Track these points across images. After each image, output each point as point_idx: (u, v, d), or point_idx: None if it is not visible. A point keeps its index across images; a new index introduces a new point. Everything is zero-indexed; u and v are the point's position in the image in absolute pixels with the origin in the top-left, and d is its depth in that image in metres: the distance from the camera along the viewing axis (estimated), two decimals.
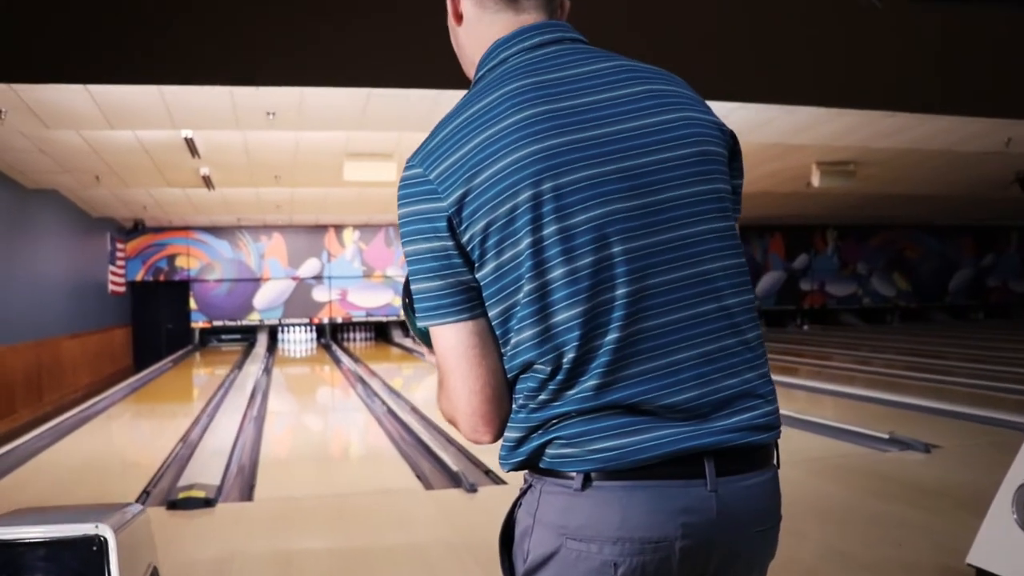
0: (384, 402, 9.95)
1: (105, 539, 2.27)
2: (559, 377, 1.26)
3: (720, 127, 1.39)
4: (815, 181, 13.12)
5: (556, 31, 1.39)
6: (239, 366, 15.21)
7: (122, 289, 19.29)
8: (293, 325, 21.17)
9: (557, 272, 1.24)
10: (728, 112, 9.11)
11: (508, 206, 1.24)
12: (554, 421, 1.27)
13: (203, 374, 14.71)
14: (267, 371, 14.34)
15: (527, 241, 1.24)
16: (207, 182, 12.50)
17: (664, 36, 6.67)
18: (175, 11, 6.02)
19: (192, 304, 20.70)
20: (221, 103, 8.20)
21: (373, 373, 13.39)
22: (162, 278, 20.53)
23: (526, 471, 1.35)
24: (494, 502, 3.74)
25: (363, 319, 21.57)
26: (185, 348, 19.85)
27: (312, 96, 8.08)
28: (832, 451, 6.84)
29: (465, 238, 1.27)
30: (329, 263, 21.31)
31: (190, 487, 5.64)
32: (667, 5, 6.83)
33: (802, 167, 13.06)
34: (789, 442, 5.84)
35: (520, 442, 1.31)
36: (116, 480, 6.27)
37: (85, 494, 5.78)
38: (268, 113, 8.56)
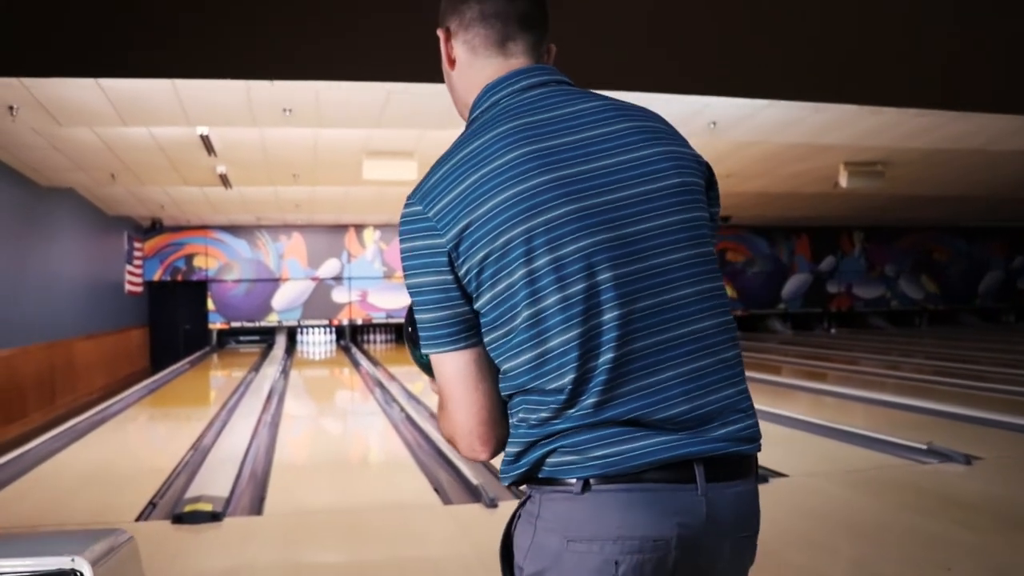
0: (403, 408, 9.72)
1: (81, 574, 2.04)
2: (560, 396, 1.33)
3: (697, 159, 1.52)
4: (843, 182, 12.82)
5: (543, 74, 1.49)
6: (256, 368, 15.02)
7: (139, 289, 19.15)
8: (312, 327, 20.98)
9: (551, 299, 1.33)
10: (755, 111, 8.85)
11: (502, 240, 1.33)
12: (555, 435, 1.34)
13: (220, 376, 14.51)
14: (284, 373, 14.15)
15: (521, 272, 1.32)
16: (224, 180, 12.31)
17: (691, 34, 6.39)
18: (187, 3, 5.82)
19: (210, 305, 20.54)
20: (236, 99, 8.00)
21: (392, 377, 13.18)
22: (180, 278, 20.38)
23: (525, 484, 1.42)
24: None
25: (383, 321, 21.34)
26: (203, 350, 19.68)
27: (329, 92, 7.87)
28: (865, 462, 6.50)
29: (463, 271, 1.36)
30: (349, 263, 21.10)
31: (197, 499, 5.42)
32: (692, 3, 6.57)
33: (829, 168, 12.75)
34: (819, 451, 5.57)
35: (520, 456, 1.39)
36: (122, 490, 6.04)
37: (85, 507, 5.57)
38: (285, 110, 8.36)
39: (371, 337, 21.49)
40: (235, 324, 20.65)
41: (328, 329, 21.07)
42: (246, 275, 20.67)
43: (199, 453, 7.27)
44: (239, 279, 20.64)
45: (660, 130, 1.48)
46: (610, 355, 1.32)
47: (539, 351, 1.33)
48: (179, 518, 5.07)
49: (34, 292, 12.05)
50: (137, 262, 19.11)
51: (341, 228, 20.90)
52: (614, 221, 1.35)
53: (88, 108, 8.06)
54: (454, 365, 1.40)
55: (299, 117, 8.62)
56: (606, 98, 1.47)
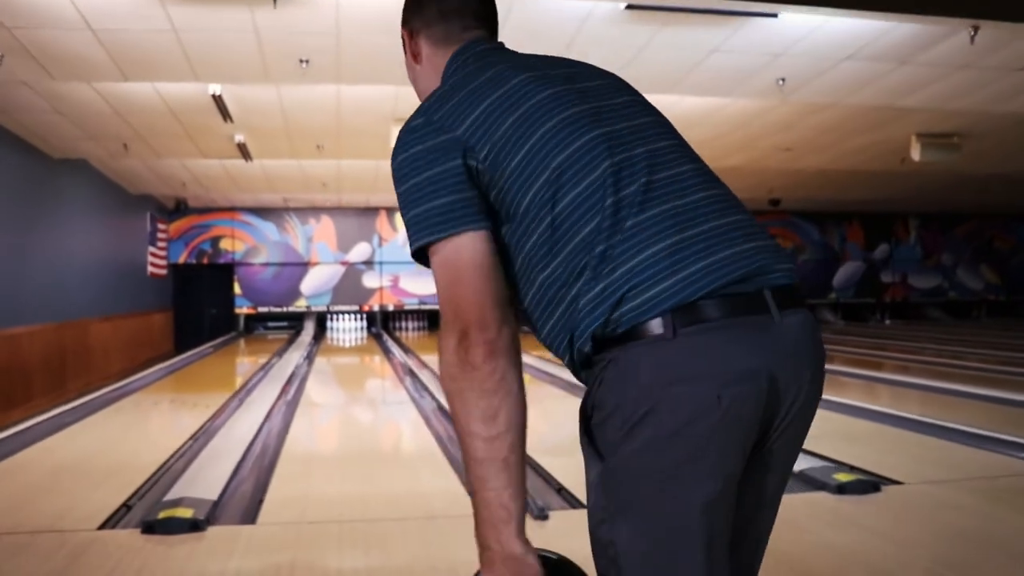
0: (434, 397, 8.83)
1: None
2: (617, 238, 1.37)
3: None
4: (915, 155, 11.73)
5: (495, 43, 1.72)
6: (280, 354, 14.16)
7: (163, 272, 18.41)
8: (342, 313, 20.13)
9: (591, 177, 1.41)
10: (835, 64, 7.83)
11: (536, 136, 1.44)
12: (621, 281, 1.34)
13: (244, 363, 13.56)
14: (309, 360, 13.24)
15: (563, 155, 1.43)
16: (243, 151, 11.44)
17: None
18: None
19: (237, 289, 19.76)
20: (246, 47, 7.12)
21: (424, 365, 12.28)
22: (206, 261, 19.62)
23: (597, 356, 1.38)
24: (570, 531, 2.52)
25: (415, 307, 20.45)
26: (229, 335, 18.91)
27: (351, 39, 6.97)
28: (1002, 468, 5.31)
29: (497, 181, 1.44)
30: (380, 247, 20.20)
31: (177, 502, 4.51)
32: None
33: (900, 139, 11.65)
34: (935, 454, 4.35)
35: (589, 322, 1.36)
36: (97, 488, 5.14)
37: (47, 509, 4.67)
38: (301, 60, 7.47)
39: (403, 324, 20.61)
40: (262, 309, 19.85)
41: (358, 315, 20.22)
42: (274, 259, 19.86)
43: (197, 444, 6.39)
44: (267, 263, 19.84)
45: (625, 84, 1.65)
46: (662, 207, 1.40)
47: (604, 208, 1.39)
48: (150, 527, 4.17)
49: (43, 268, 11.29)
50: (161, 244, 18.37)
51: (372, 211, 20.03)
52: (618, 117, 1.51)
53: (81, 57, 7.22)
54: (473, 247, 1.42)
55: (317, 70, 7.73)
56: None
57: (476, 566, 1.49)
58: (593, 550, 1.41)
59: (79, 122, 10.01)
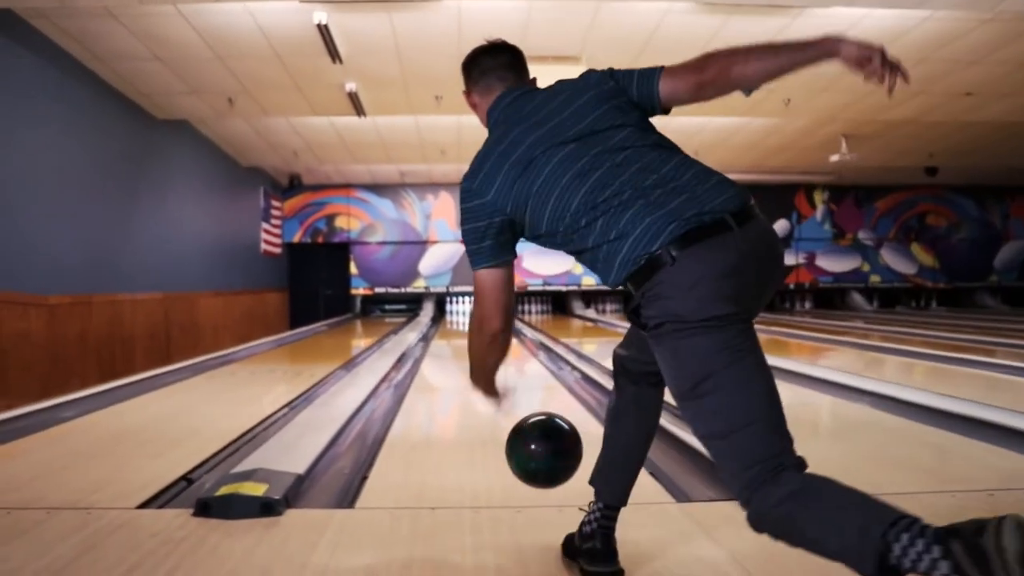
0: (576, 367, 7.63)
1: None
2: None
3: (602, 85, 2.22)
4: None
5: (516, 91, 2.33)
6: (396, 332, 13.11)
7: (277, 250, 17.66)
8: (462, 294, 19.05)
9: (560, 185, 2.11)
10: None
11: (539, 183, 2.14)
12: (634, 242, 1.97)
13: (358, 342, 12.48)
14: (426, 340, 12.11)
15: (557, 190, 2.11)
16: (355, 103, 10.39)
17: None
18: None
19: (352, 269, 18.87)
20: None
21: (557, 340, 11.08)
22: (320, 240, 18.79)
23: (631, 287, 2.03)
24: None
25: (539, 288, 19.23)
26: (344, 316, 18.03)
27: None
28: None
29: (519, 215, 2.20)
30: None
31: (247, 475, 3.36)
32: None
33: None
34: None
35: (621, 267, 2.01)
36: (158, 455, 4.07)
37: (86, 478, 3.60)
38: None
39: (526, 308, 19.39)
40: (379, 290, 18.91)
41: None
42: (391, 237, 18.90)
43: (291, 414, 5.30)
44: (383, 241, 18.90)
45: (579, 89, 2.22)
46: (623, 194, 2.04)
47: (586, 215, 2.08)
48: (205, 506, 3.04)
49: (147, 235, 10.53)
50: (275, 222, 17.63)
51: None
52: (560, 130, 2.15)
53: None
54: (492, 277, 2.23)
55: None
56: (547, 89, 2.28)
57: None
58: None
59: (180, 70, 9.13)
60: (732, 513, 2.80)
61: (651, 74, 2.17)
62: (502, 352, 2.34)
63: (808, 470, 1.82)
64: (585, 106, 2.15)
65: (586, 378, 7.00)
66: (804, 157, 15.71)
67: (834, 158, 14.21)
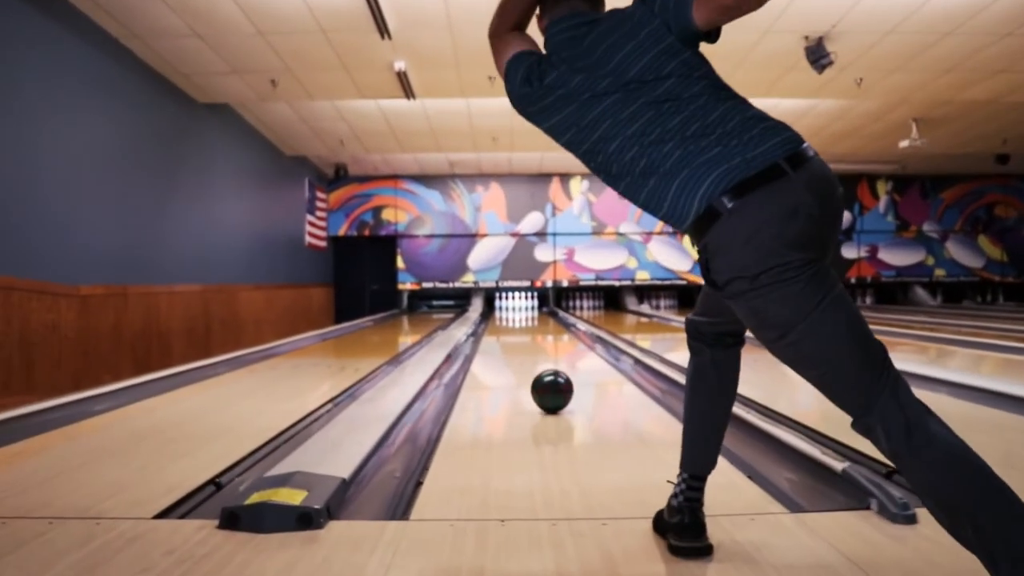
0: (638, 360, 7.08)
1: None
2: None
3: (650, 25, 2.06)
4: None
5: (579, 17, 2.22)
6: (444, 328, 12.59)
7: (322, 243, 17.24)
8: (512, 290, 18.52)
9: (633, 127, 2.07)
10: None
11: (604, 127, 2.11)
12: (695, 185, 1.93)
13: (406, 340, 11.91)
14: (475, 336, 11.55)
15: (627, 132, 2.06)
16: (404, 84, 9.89)
17: None
18: None
19: (399, 263, 18.40)
20: None
21: (615, 334, 10.52)
22: (367, 233, 18.33)
23: (696, 234, 1.96)
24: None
25: (591, 283, 18.64)
26: (390, 312, 17.55)
27: None
28: None
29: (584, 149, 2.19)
30: (554, 217, 18.48)
31: (284, 479, 2.84)
32: None
33: None
34: None
35: (684, 217, 1.97)
36: (183, 455, 3.57)
37: (100, 482, 3.11)
38: None
39: (578, 303, 18.81)
40: (427, 285, 18.42)
41: (530, 293, 18.58)
42: (439, 230, 18.41)
43: (335, 410, 4.80)
44: (431, 234, 18.42)
45: (628, 31, 2.08)
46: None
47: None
48: (232, 518, 2.53)
49: (185, 225, 10.11)
50: (320, 214, 17.22)
51: (544, 177, 18.36)
52: (609, 76, 2.07)
53: None
54: None
55: None
56: (601, 25, 2.14)
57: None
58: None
59: (221, 48, 8.68)
60: (851, 523, 2.54)
61: (685, 6, 2.01)
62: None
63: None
64: (633, 53, 2.05)
65: (647, 368, 6.46)
66: (869, 144, 14.99)
67: (903, 143, 13.47)
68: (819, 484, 3.01)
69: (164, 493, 2.92)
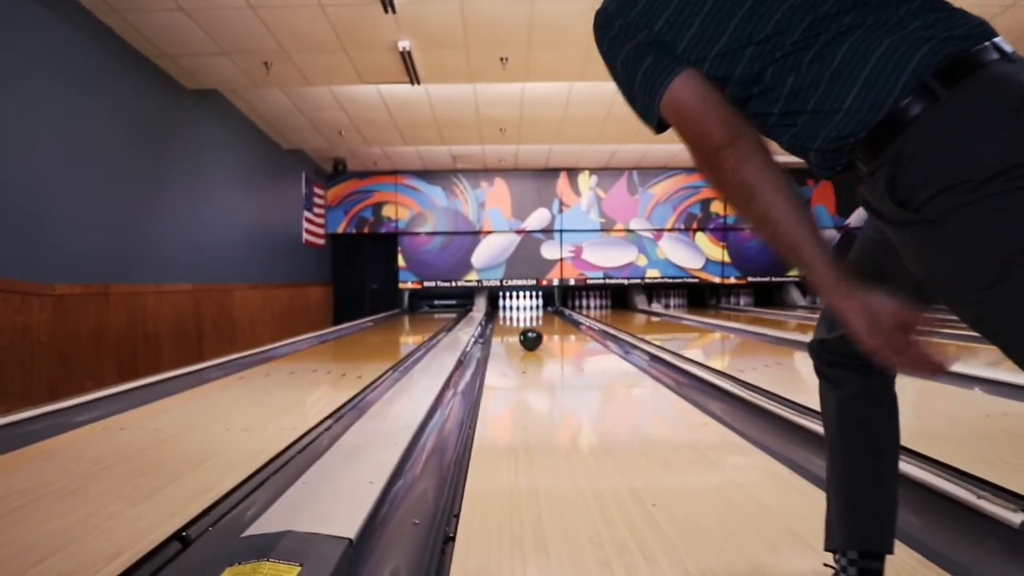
0: (666, 357, 6.37)
1: None
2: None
3: None
4: None
5: None
6: (449, 329, 11.87)
7: (320, 241, 16.53)
8: (517, 288, 17.81)
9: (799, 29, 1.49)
10: None
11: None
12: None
13: (409, 342, 11.16)
14: (483, 338, 10.83)
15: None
16: (409, 67, 9.16)
17: None
18: None
19: (400, 261, 17.66)
20: None
21: (624, 330, 9.82)
22: (366, 230, 17.59)
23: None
24: None
25: (599, 281, 17.90)
26: (391, 312, 16.83)
27: None
28: None
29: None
30: (561, 214, 17.73)
31: (269, 545, 2.10)
32: None
33: None
34: None
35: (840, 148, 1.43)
36: (144, 499, 2.87)
37: (21, 545, 2.40)
38: None
39: (585, 302, 18.11)
40: (428, 284, 17.69)
41: (535, 292, 17.88)
42: (441, 227, 17.67)
43: (335, 428, 4.08)
44: (433, 231, 17.67)
45: None
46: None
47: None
48: None
49: (174, 220, 9.40)
50: (318, 211, 16.51)
51: (551, 172, 17.63)
52: None
53: None
54: (680, 88, 1.48)
55: None
56: None
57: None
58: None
59: (208, 24, 7.96)
60: None
61: None
62: (766, 167, 1.47)
63: None
64: None
65: (663, 362, 5.77)
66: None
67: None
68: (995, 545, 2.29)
69: (113, 555, 2.20)
